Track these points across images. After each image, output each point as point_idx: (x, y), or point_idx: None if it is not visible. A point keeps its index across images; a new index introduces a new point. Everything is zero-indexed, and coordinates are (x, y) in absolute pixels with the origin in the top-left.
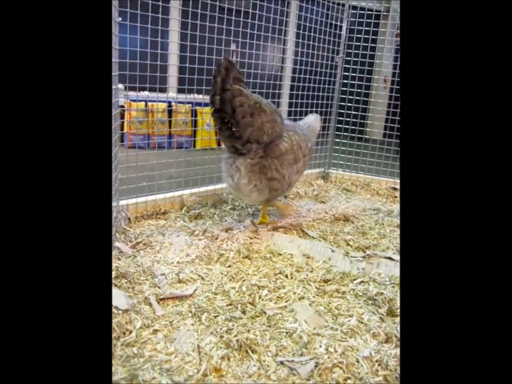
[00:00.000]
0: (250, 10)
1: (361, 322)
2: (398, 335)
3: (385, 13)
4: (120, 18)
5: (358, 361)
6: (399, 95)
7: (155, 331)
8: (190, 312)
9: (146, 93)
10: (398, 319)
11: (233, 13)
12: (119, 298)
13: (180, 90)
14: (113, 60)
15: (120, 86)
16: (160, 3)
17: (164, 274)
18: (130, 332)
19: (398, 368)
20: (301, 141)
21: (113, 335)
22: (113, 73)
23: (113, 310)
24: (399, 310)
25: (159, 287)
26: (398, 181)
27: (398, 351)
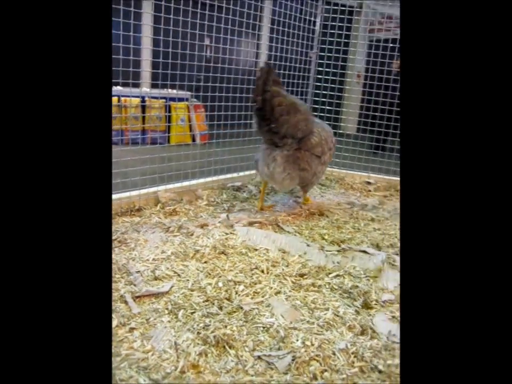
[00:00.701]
0: (224, 5)
1: (337, 315)
2: (373, 327)
3: (358, 9)
4: None
5: (334, 354)
6: (372, 90)
7: (131, 329)
8: (167, 309)
9: (119, 87)
10: (372, 311)
11: (207, 7)
12: None
13: (154, 85)
14: None
15: None
16: None
17: (139, 271)
18: None
19: (374, 359)
20: (327, 137)
21: None
22: None
23: None
24: (373, 303)
25: (134, 285)
26: (372, 175)
27: (373, 342)
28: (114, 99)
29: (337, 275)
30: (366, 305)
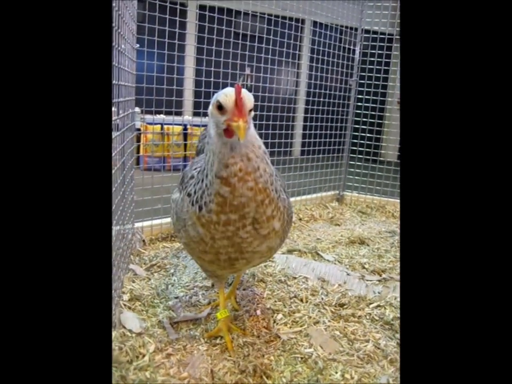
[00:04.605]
0: (264, 36)
1: (378, 348)
2: None
3: (397, 36)
4: (138, 45)
5: None
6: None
7: (168, 355)
8: (203, 337)
9: (162, 116)
10: None
11: (248, 38)
12: (132, 321)
13: (195, 114)
14: (130, 84)
15: (137, 109)
16: (176, 30)
17: (178, 297)
18: (143, 356)
19: None
20: None
21: (126, 358)
22: (130, 98)
23: (127, 333)
24: None
25: (173, 310)
26: None
27: None
28: (157, 127)
29: (378, 305)
30: None
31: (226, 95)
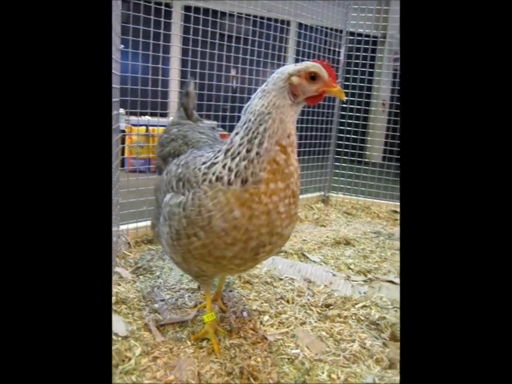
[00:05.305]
0: (249, 37)
1: (364, 348)
2: None
3: (382, 39)
4: (123, 46)
5: None
6: (397, 118)
7: (155, 358)
8: (190, 339)
9: (147, 117)
10: None
11: (233, 40)
12: (118, 324)
13: None
14: (115, 85)
15: (122, 111)
16: (161, 31)
17: (164, 300)
18: (130, 359)
19: None
20: None
21: (112, 362)
22: (115, 99)
23: (113, 337)
24: None
25: (159, 313)
26: (399, 203)
27: None
28: (142, 128)
29: (364, 306)
30: (394, 338)
31: (316, 66)
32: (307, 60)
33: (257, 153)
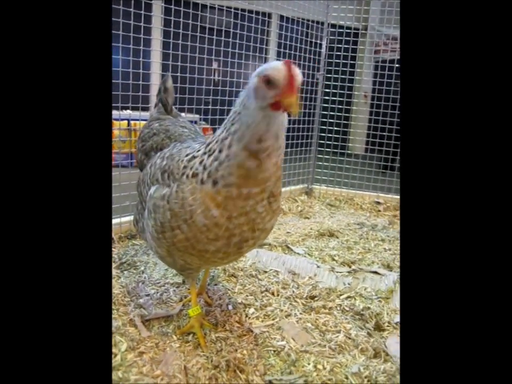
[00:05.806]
0: (231, 30)
1: (349, 338)
2: (386, 350)
3: (363, 31)
4: None
5: (347, 378)
6: (379, 110)
7: (141, 353)
8: (176, 333)
9: (128, 111)
10: (385, 334)
11: (214, 32)
12: None
13: None
14: None
15: None
16: (141, 24)
17: (149, 294)
18: (116, 355)
19: (387, 383)
20: None
21: None
22: None
23: None
24: (386, 325)
25: (144, 308)
26: (381, 194)
27: (386, 365)
28: (124, 123)
29: (348, 297)
30: (378, 327)
31: (277, 70)
32: (288, 53)
33: (226, 156)
